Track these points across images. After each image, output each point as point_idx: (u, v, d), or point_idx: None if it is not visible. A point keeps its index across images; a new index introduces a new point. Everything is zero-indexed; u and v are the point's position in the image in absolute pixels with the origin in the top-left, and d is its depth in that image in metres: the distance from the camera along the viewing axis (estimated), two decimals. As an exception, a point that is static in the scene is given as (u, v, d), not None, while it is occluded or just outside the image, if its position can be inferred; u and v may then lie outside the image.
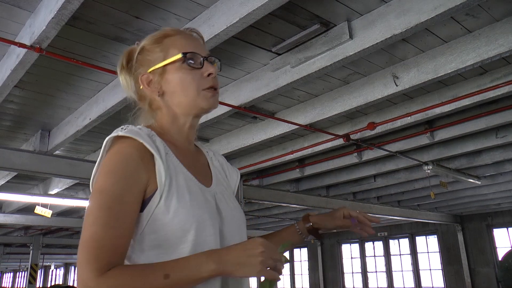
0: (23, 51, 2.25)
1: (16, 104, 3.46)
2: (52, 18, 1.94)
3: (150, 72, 0.93)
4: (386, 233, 11.23)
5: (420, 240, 10.72)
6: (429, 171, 4.68)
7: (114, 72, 2.62)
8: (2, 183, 5.31)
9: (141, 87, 0.95)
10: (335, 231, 1.06)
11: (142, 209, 0.83)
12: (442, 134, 4.11)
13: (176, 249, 0.82)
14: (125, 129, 0.86)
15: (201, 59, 0.94)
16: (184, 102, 0.93)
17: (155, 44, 0.95)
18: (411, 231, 10.73)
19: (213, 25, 2.15)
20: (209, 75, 0.94)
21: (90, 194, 0.84)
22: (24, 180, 5.87)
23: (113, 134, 0.86)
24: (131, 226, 0.81)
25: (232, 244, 0.85)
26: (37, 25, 2.14)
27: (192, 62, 0.93)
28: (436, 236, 10.30)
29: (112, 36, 2.48)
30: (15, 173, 4.88)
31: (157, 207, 0.83)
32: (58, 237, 11.68)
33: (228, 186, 1.05)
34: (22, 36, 2.33)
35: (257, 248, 0.77)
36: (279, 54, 2.78)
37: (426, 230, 10.45)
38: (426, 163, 4.66)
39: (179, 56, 0.92)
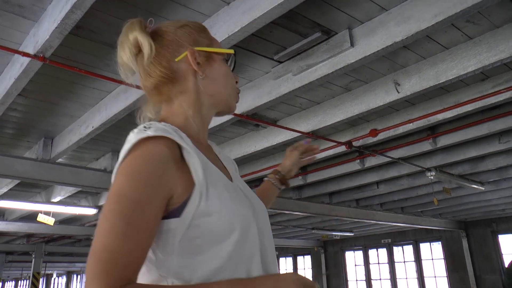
0: (26, 60, 2.28)
1: (19, 112, 3.49)
2: (56, 27, 1.96)
3: (197, 50, 0.89)
4: (390, 240, 11.17)
5: (424, 246, 10.65)
6: (432, 177, 4.66)
7: (117, 81, 2.65)
8: (5, 190, 5.32)
9: (177, 59, 0.88)
10: (299, 170, 1.31)
11: (178, 214, 0.73)
12: (445, 140, 4.10)
13: (219, 251, 0.74)
14: (149, 127, 0.76)
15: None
16: (220, 93, 0.92)
17: (199, 30, 0.94)
18: (415, 238, 10.66)
19: (215, 34, 2.17)
20: (236, 82, 0.98)
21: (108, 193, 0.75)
22: (26, 187, 5.88)
23: (141, 135, 0.75)
24: (150, 238, 0.71)
25: (266, 238, 0.84)
26: (41, 35, 2.16)
27: (231, 64, 0.96)
28: (440, 242, 10.23)
29: (115, 45, 2.50)
30: (18, 181, 4.90)
31: (198, 210, 0.73)
32: (60, 245, 11.69)
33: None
34: (26, 45, 2.36)
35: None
36: (281, 62, 2.79)
37: (430, 236, 10.38)
38: (429, 169, 4.64)
39: (231, 51, 0.95)
